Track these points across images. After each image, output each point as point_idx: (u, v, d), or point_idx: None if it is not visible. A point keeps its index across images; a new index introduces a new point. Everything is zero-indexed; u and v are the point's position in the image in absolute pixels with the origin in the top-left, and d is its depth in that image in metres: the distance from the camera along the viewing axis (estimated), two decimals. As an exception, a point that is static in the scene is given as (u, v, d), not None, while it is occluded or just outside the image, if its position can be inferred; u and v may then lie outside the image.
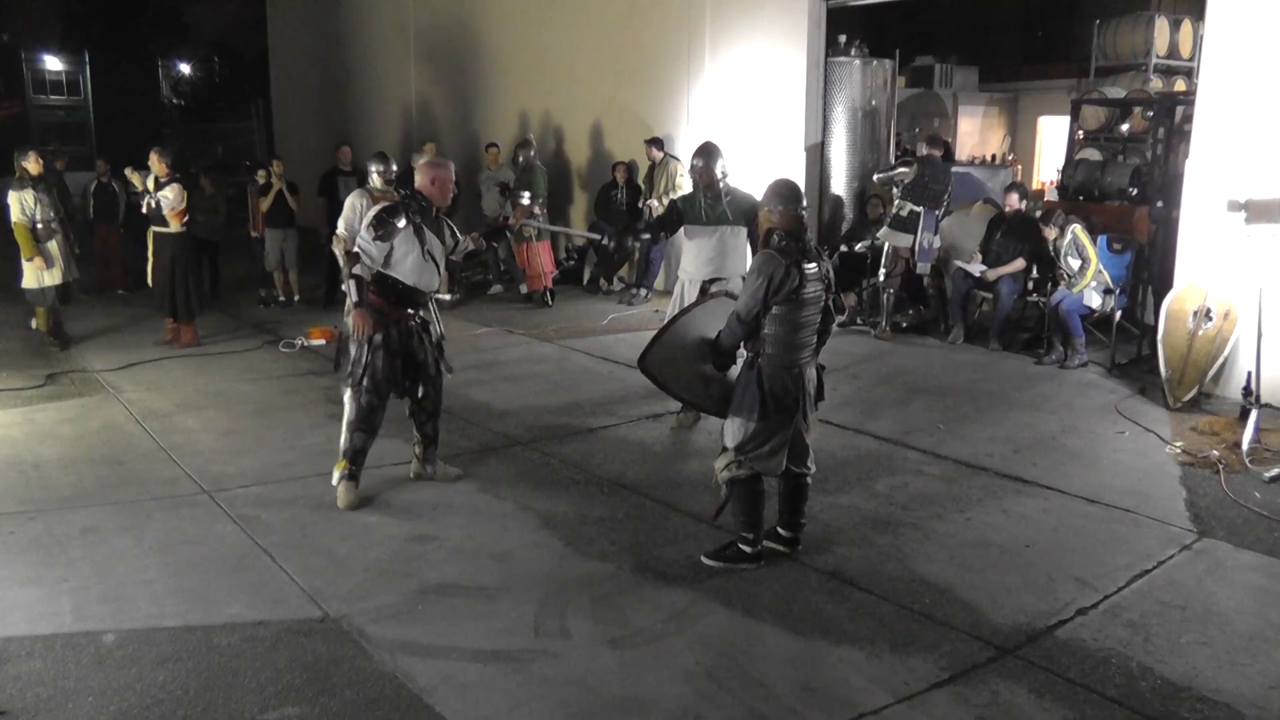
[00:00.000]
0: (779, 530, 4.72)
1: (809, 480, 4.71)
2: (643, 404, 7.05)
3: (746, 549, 4.55)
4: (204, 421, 6.78)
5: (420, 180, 5.33)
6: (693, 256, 6.57)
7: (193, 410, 7.05)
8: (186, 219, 8.97)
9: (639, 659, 3.79)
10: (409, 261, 5.18)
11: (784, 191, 4.46)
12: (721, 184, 6.45)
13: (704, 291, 6.19)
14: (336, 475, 5.27)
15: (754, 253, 6.18)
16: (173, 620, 4.03)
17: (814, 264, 4.39)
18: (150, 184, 9.00)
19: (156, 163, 8.92)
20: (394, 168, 7.68)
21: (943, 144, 10.28)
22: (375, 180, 7.48)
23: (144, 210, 8.94)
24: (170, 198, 8.76)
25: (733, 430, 4.48)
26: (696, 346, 4.65)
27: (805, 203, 4.52)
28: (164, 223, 8.84)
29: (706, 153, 6.51)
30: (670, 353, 4.67)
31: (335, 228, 10.97)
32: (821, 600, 4.26)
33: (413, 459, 5.67)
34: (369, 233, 5.11)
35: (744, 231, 6.41)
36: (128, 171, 9.60)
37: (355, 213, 7.35)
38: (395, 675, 3.65)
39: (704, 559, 4.59)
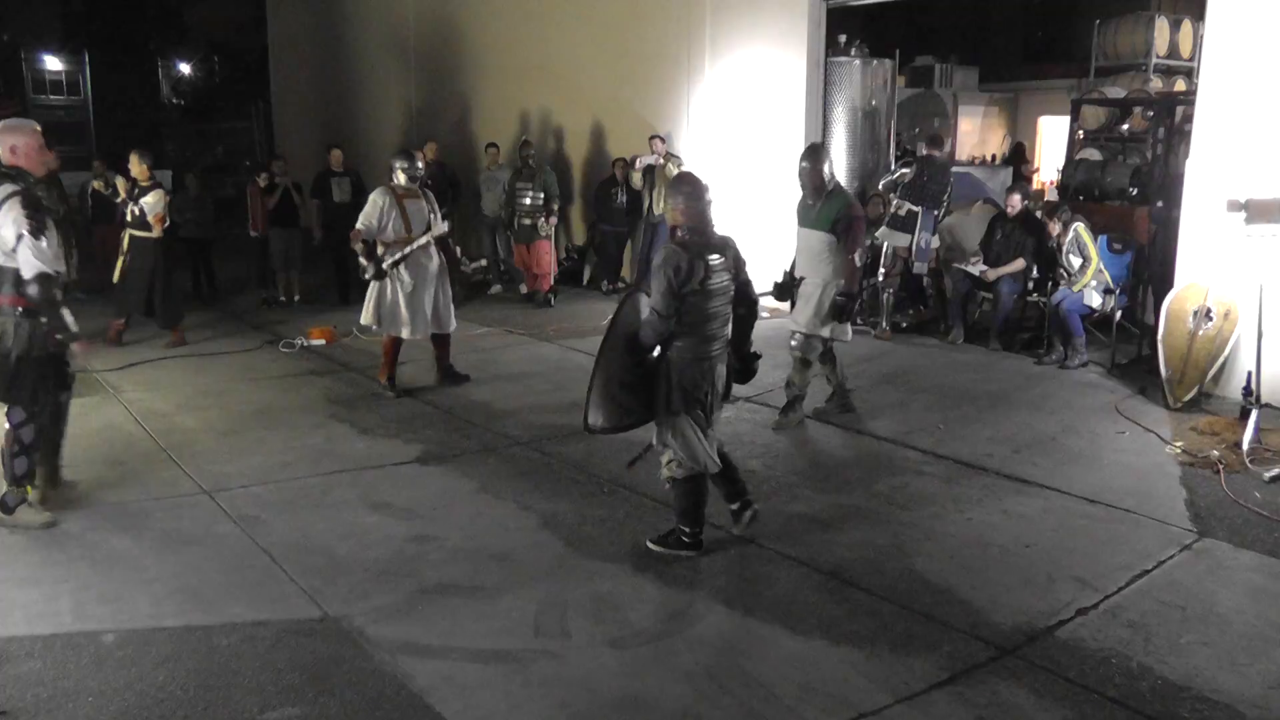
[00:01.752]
0: (730, 508, 4.80)
1: (724, 450, 4.77)
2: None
3: (685, 538, 4.67)
4: (204, 421, 6.78)
5: (4, 155, 4.64)
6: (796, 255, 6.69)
7: (193, 410, 7.05)
8: (166, 223, 8.89)
9: (639, 659, 3.79)
10: (55, 248, 4.68)
11: (685, 187, 4.58)
12: (828, 185, 6.36)
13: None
14: (31, 514, 4.85)
15: (842, 251, 6.25)
16: (173, 620, 4.03)
17: (718, 255, 4.48)
18: (120, 186, 8.88)
19: (136, 165, 8.78)
20: (419, 165, 7.57)
21: (941, 142, 10.21)
22: (400, 178, 7.36)
23: (127, 218, 8.81)
24: (151, 203, 8.69)
25: (658, 430, 4.58)
26: (622, 360, 4.51)
27: (709, 196, 4.56)
28: (146, 227, 8.77)
29: (813, 154, 6.44)
30: (605, 397, 4.51)
31: (326, 229, 10.99)
32: (821, 600, 4.26)
33: (42, 492, 5.01)
34: (36, 240, 4.46)
35: (829, 237, 6.33)
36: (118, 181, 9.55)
37: (376, 209, 7.18)
38: (395, 675, 3.65)
39: (649, 544, 4.71)
